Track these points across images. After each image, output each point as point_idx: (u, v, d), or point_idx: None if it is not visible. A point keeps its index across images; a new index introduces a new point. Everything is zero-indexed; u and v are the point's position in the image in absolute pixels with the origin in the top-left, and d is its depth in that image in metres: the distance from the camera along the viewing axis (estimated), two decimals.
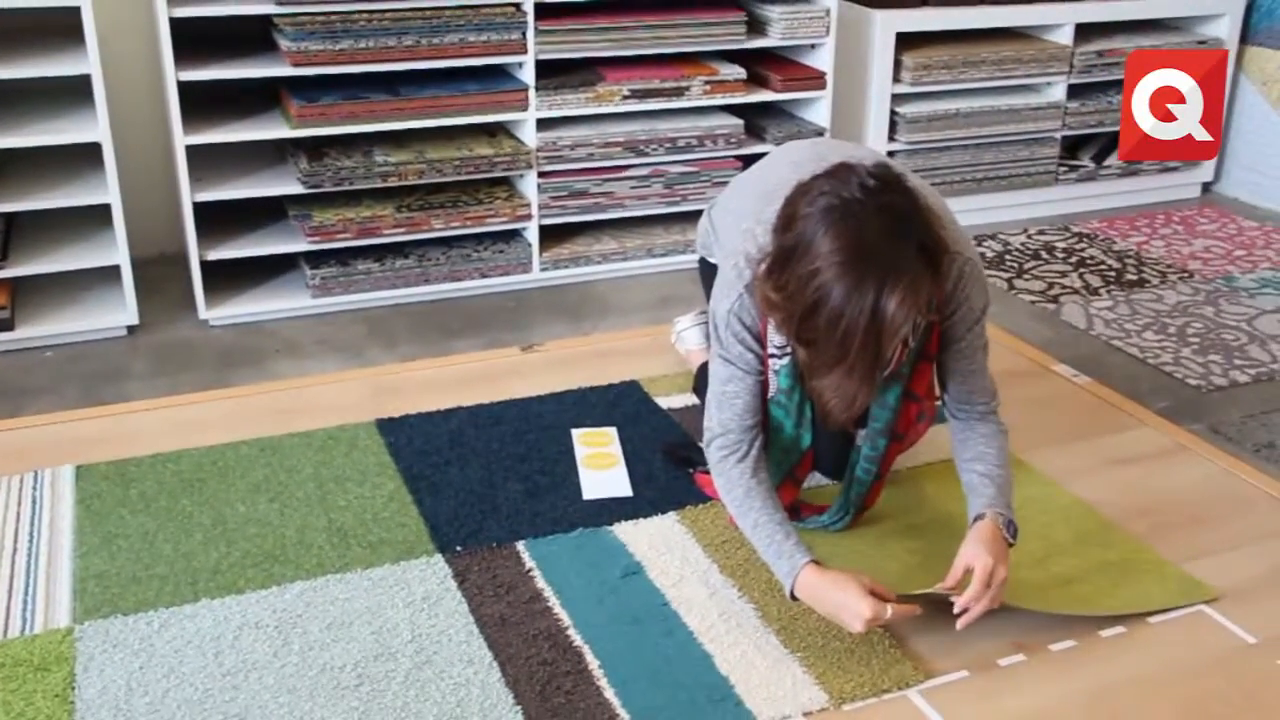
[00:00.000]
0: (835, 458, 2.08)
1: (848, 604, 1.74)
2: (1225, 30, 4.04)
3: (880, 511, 2.15)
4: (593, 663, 1.79)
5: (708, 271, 2.33)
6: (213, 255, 3.05)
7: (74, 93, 2.96)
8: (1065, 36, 3.84)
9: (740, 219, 1.93)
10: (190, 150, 2.95)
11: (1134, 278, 3.48)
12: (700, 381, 2.46)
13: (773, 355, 1.89)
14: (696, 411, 2.45)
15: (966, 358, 1.90)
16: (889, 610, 1.74)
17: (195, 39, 2.97)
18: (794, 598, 1.80)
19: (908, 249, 1.60)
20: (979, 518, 1.84)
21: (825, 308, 1.58)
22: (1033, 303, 3.30)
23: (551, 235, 3.38)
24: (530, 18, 3.10)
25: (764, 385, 1.92)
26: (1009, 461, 1.93)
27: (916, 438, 2.04)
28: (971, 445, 1.93)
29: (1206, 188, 4.27)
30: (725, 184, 2.36)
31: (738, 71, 3.38)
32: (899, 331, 1.59)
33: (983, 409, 1.93)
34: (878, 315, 1.57)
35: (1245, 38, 4.09)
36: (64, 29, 2.93)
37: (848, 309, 1.57)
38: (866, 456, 2.02)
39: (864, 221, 1.59)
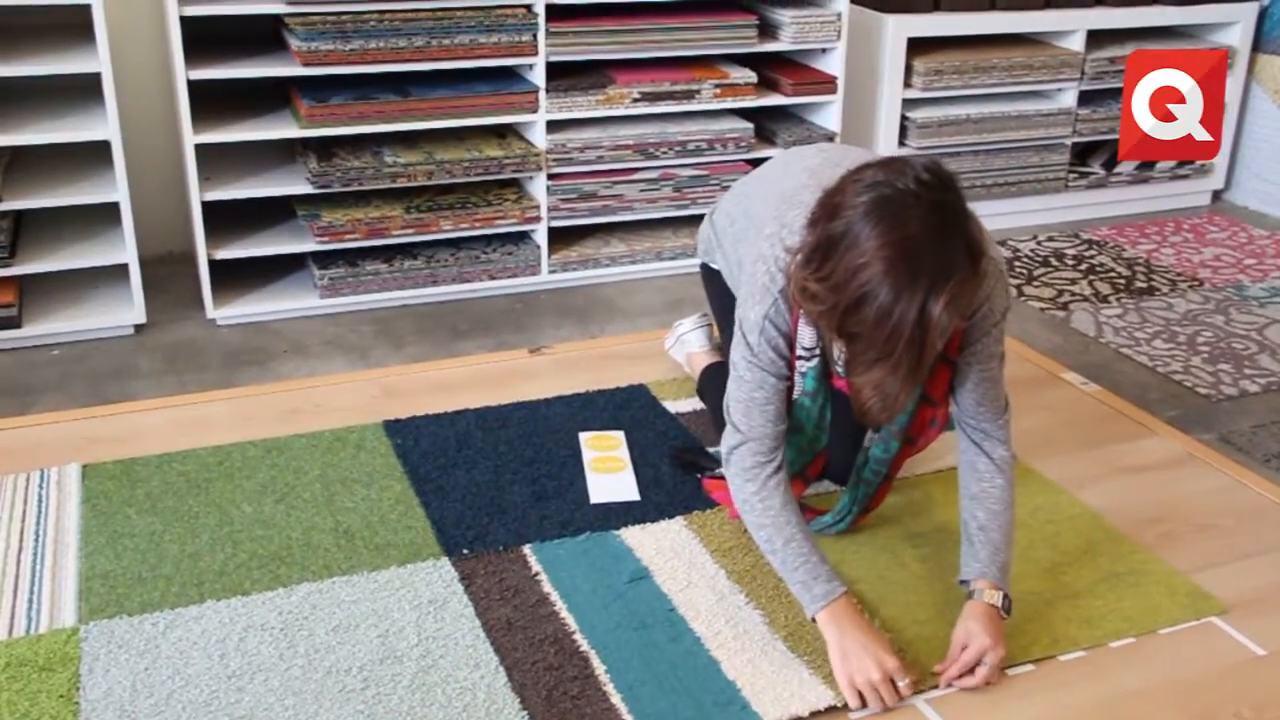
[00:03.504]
0: (845, 460, 2.07)
1: (874, 650, 1.73)
2: (1237, 38, 4.03)
3: (888, 518, 2.15)
4: (599, 668, 1.78)
5: (710, 276, 2.33)
6: (221, 254, 3.05)
7: (84, 91, 2.97)
8: (1077, 43, 3.84)
9: (758, 224, 1.91)
10: (199, 149, 2.95)
11: (1144, 285, 3.47)
12: (705, 384, 2.46)
13: (801, 357, 1.88)
14: (704, 416, 2.44)
15: (981, 362, 1.87)
16: (906, 680, 1.72)
17: (205, 38, 2.98)
18: (813, 620, 1.79)
19: (957, 249, 1.57)
20: (972, 593, 1.82)
21: (873, 303, 1.55)
22: (1042, 310, 3.29)
23: (560, 237, 3.38)
24: (541, 19, 3.10)
25: (790, 389, 1.92)
26: (1013, 501, 1.88)
27: (927, 443, 2.03)
28: (975, 479, 1.89)
29: (1217, 195, 4.26)
30: None
31: (748, 75, 3.38)
32: (944, 333, 1.57)
33: (989, 427, 1.89)
34: (925, 315, 1.54)
35: (1257, 46, 4.08)
36: (75, 27, 2.93)
37: (897, 307, 1.54)
38: (877, 459, 2.01)
39: (917, 217, 1.55)
